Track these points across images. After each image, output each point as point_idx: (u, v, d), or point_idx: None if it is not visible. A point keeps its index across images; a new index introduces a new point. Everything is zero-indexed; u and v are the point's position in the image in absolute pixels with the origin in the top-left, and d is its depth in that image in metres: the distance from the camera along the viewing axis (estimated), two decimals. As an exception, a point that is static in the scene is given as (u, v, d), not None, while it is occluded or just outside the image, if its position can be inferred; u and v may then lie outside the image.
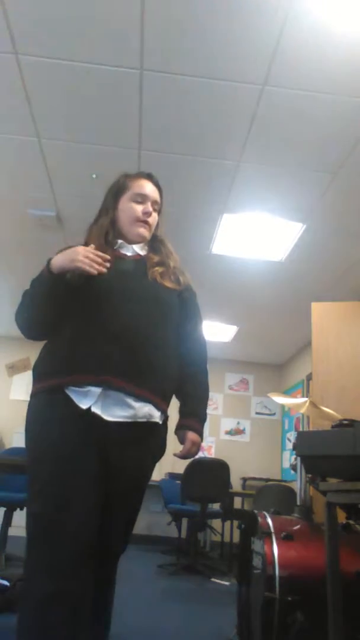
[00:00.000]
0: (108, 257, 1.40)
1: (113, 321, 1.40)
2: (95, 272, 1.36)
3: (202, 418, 1.59)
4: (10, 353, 6.55)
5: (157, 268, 1.56)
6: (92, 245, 1.43)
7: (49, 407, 1.35)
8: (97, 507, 1.30)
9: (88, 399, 1.34)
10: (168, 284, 1.55)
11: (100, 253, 1.39)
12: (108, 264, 1.39)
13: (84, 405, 1.33)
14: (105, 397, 1.35)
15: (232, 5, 2.12)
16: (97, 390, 1.34)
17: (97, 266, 1.36)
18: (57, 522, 1.24)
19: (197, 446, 1.54)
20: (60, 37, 2.33)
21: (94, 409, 1.33)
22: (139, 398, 1.38)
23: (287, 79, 2.45)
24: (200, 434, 1.55)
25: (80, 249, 1.39)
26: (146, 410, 1.40)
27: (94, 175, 3.28)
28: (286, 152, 2.95)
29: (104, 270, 1.38)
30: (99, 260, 1.37)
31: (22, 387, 6.65)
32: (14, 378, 6.70)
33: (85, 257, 1.36)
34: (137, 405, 1.38)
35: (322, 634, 1.44)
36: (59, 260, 1.38)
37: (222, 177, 3.22)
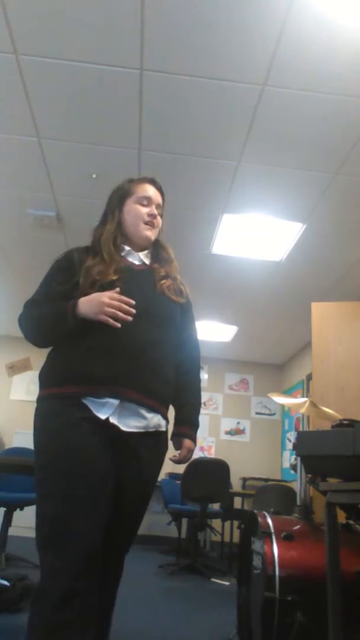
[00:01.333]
0: (133, 302, 1.40)
1: (127, 334, 1.43)
2: (119, 325, 1.38)
3: (197, 425, 1.67)
4: (10, 353, 6.53)
5: (164, 281, 1.61)
6: (117, 290, 1.42)
7: (64, 412, 1.38)
8: (107, 510, 1.35)
9: (106, 410, 1.39)
10: (174, 297, 1.61)
11: (125, 299, 1.39)
12: (134, 311, 1.40)
13: (102, 415, 1.38)
14: (122, 408, 1.40)
15: (232, 4, 2.12)
16: (115, 402, 1.39)
17: (121, 315, 1.38)
18: (71, 524, 1.28)
19: (191, 452, 1.64)
20: (60, 37, 2.33)
21: (111, 420, 1.38)
22: (151, 409, 1.45)
23: (287, 79, 2.45)
24: (194, 440, 1.65)
25: (105, 298, 1.38)
26: (156, 421, 1.48)
27: (94, 175, 3.28)
28: (286, 152, 2.95)
29: (130, 319, 1.39)
30: (125, 308, 1.39)
31: (22, 387, 6.65)
32: (14, 378, 6.70)
33: (110, 307, 1.37)
34: (149, 416, 1.45)
35: (322, 634, 1.44)
36: (84, 309, 1.40)
37: (222, 177, 3.22)
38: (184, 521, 5.06)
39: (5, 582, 2.66)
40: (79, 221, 3.73)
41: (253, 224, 3.73)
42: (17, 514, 3.76)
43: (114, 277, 1.49)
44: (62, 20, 2.24)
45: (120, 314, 1.38)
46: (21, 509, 3.77)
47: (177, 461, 1.61)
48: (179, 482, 4.63)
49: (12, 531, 3.74)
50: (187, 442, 1.62)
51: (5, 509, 3.79)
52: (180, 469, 4.53)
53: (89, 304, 1.40)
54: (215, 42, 2.29)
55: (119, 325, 1.38)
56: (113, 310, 1.38)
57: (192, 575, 4.27)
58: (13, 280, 5.05)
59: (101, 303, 1.38)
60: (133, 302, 1.41)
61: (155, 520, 6.04)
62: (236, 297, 5.08)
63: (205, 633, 2.62)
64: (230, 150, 2.97)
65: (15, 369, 6.61)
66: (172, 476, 5.41)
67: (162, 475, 5.67)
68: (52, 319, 1.46)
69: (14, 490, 3.88)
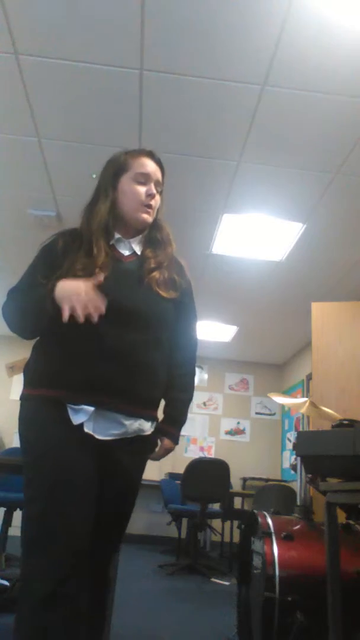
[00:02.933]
0: (103, 309, 1.29)
1: (108, 337, 1.37)
2: (82, 319, 1.28)
3: (181, 422, 1.60)
4: (10, 353, 6.54)
5: (154, 274, 1.48)
6: (100, 280, 1.33)
7: (45, 413, 1.36)
8: (92, 510, 1.32)
9: (80, 416, 1.34)
10: (164, 293, 1.48)
11: (96, 301, 1.28)
12: (95, 319, 1.29)
13: (75, 421, 1.33)
14: (97, 415, 1.35)
15: (232, 4, 2.12)
16: (90, 409, 1.34)
17: (78, 314, 1.27)
18: (54, 525, 1.25)
19: (169, 452, 1.58)
20: (60, 37, 2.33)
21: (86, 428, 1.34)
22: (130, 415, 1.39)
23: (287, 79, 2.45)
24: (176, 440, 1.57)
25: (82, 292, 1.28)
26: (136, 426, 1.41)
27: (94, 175, 3.27)
28: (286, 152, 2.95)
29: (93, 319, 1.28)
30: (90, 310, 1.28)
31: (22, 387, 6.64)
32: (14, 378, 6.70)
33: (78, 301, 1.27)
34: (128, 422, 1.39)
35: (322, 634, 1.44)
36: (62, 295, 1.30)
37: (222, 177, 3.22)
38: (184, 521, 5.06)
39: (5, 582, 2.66)
40: (79, 221, 3.72)
41: (253, 224, 3.72)
42: (17, 514, 3.75)
43: (97, 271, 1.37)
44: (62, 20, 2.24)
45: (79, 312, 1.26)
46: (21, 509, 3.76)
47: (152, 459, 1.54)
48: (179, 482, 4.63)
49: (12, 531, 3.73)
50: (165, 442, 1.55)
51: (5, 509, 3.79)
52: (180, 469, 4.54)
53: (65, 289, 1.30)
54: (215, 42, 2.29)
55: (82, 320, 1.27)
56: (76, 304, 1.26)
57: (192, 575, 4.27)
58: (13, 280, 5.03)
59: (73, 293, 1.28)
60: (103, 308, 1.29)
61: (155, 520, 6.04)
62: (236, 297, 5.08)
63: (205, 633, 2.62)
64: (230, 150, 2.97)
65: (15, 369, 6.62)
66: (172, 476, 5.41)
67: (162, 475, 5.69)
68: (33, 308, 1.38)
69: (14, 490, 3.87)
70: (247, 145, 2.92)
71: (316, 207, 3.45)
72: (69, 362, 1.37)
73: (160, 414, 1.56)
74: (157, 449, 1.56)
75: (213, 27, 2.22)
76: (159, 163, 1.57)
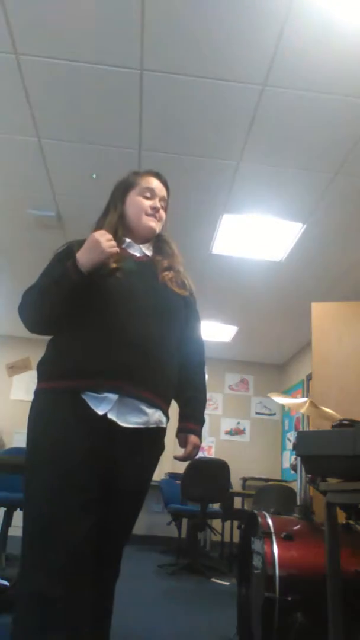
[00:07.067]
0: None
1: (129, 327, 1.40)
2: (117, 249, 1.41)
3: (202, 421, 1.63)
4: (10, 353, 6.53)
5: (167, 273, 1.56)
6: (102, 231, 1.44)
7: (61, 409, 1.34)
8: (96, 513, 1.30)
9: (104, 405, 1.34)
10: (177, 289, 1.56)
11: (109, 235, 1.42)
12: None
13: (100, 411, 1.33)
14: (121, 403, 1.36)
15: (232, 5, 2.12)
16: (114, 397, 1.35)
17: (112, 250, 1.40)
18: (58, 525, 1.24)
19: (197, 449, 1.58)
20: (60, 37, 2.33)
21: (110, 416, 1.34)
22: (152, 405, 1.41)
23: (287, 79, 2.45)
24: (200, 437, 1.60)
25: (97, 235, 1.39)
26: (157, 417, 1.43)
27: (94, 175, 3.28)
28: (286, 152, 2.95)
29: (118, 250, 1.42)
30: (114, 242, 1.41)
31: (22, 387, 6.64)
32: (14, 378, 6.69)
33: (107, 241, 1.38)
34: (150, 411, 1.40)
35: (322, 634, 1.44)
36: (86, 257, 1.37)
37: (222, 177, 3.22)
38: (184, 521, 5.05)
39: (5, 582, 2.66)
40: (79, 221, 3.72)
41: (253, 224, 3.73)
42: (17, 514, 3.76)
43: (115, 265, 1.44)
44: (62, 20, 2.24)
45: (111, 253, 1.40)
46: (21, 509, 3.76)
47: (183, 459, 1.55)
48: (179, 482, 4.63)
49: (12, 531, 3.73)
50: (193, 438, 1.56)
51: (5, 509, 3.79)
52: (180, 469, 4.54)
53: (87, 252, 1.38)
54: (215, 42, 2.29)
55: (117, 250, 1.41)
56: (112, 243, 1.39)
57: (192, 575, 4.27)
58: (13, 280, 5.05)
59: (98, 242, 1.37)
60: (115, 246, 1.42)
61: (155, 520, 6.04)
62: (236, 297, 5.08)
63: (205, 633, 2.62)
64: (230, 150, 2.97)
65: (15, 369, 6.60)
66: (172, 476, 5.41)
67: (162, 475, 5.69)
68: (53, 284, 1.40)
69: (14, 490, 3.87)
70: (247, 145, 2.92)
71: (316, 207, 3.45)
72: (89, 351, 1.38)
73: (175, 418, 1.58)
74: (186, 448, 1.56)
75: (213, 27, 2.22)
76: (164, 183, 1.67)
